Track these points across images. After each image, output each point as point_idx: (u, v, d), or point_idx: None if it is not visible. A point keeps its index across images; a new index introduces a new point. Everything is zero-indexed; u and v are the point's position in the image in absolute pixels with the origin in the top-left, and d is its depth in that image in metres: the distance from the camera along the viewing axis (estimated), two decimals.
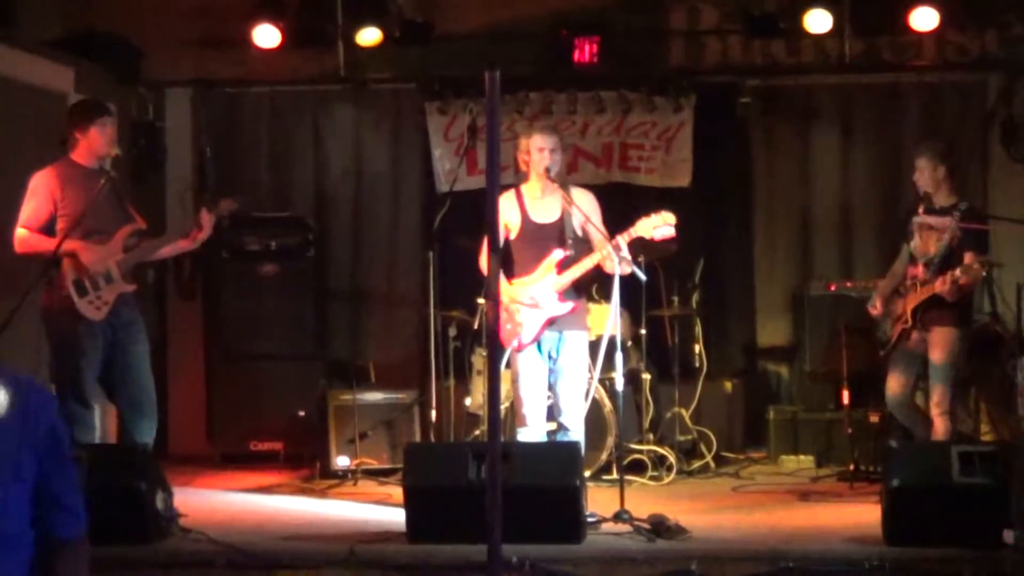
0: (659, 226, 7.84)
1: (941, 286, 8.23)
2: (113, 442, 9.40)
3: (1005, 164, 10.99)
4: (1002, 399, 9.66)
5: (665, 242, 8.07)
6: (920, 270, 8.50)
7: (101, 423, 9.05)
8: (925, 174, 8.60)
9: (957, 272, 8.15)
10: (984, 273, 8.36)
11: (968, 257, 8.30)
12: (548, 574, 6.74)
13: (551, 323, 8.05)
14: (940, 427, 8.35)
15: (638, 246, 8.05)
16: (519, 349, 8.07)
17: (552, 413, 8.17)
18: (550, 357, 8.11)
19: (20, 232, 8.00)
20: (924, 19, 10.53)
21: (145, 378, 8.19)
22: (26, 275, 8.05)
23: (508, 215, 8.12)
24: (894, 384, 8.68)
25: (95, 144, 8.06)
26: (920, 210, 8.52)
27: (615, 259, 7.76)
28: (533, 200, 8.16)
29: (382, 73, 11.44)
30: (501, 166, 5.15)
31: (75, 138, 8.08)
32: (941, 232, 8.43)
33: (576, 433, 8.05)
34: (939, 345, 8.43)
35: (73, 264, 7.88)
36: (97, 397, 8.23)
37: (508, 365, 8.12)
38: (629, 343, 9.83)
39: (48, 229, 7.94)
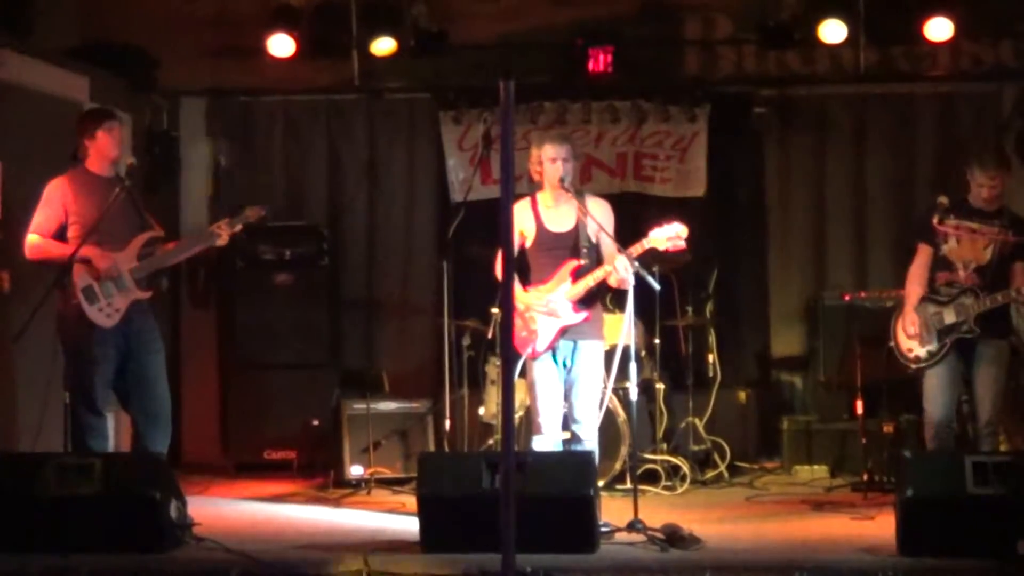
0: (671, 237, 7.84)
1: None
2: (126, 451, 9.42)
3: (1019, 174, 10.94)
4: (1016, 410, 9.63)
5: (676, 252, 8.06)
6: (964, 275, 8.18)
7: (115, 432, 9.06)
8: (1000, 187, 8.25)
9: None
10: None
11: (1021, 267, 8.11)
12: None
13: (565, 332, 8.04)
14: (991, 446, 8.13)
15: (651, 256, 8.04)
16: (533, 357, 8.06)
17: (567, 422, 8.17)
18: (565, 366, 8.10)
19: (31, 238, 8.01)
20: (939, 29, 10.53)
21: (160, 388, 8.18)
22: (42, 282, 8.06)
23: (524, 223, 8.12)
24: (946, 401, 8.28)
25: (105, 148, 8.07)
26: (961, 215, 8.17)
27: (629, 270, 7.75)
28: (548, 209, 8.16)
29: (396, 83, 11.47)
30: (515, 175, 5.16)
31: (85, 146, 8.09)
32: (988, 238, 8.15)
33: (590, 443, 8.04)
34: (999, 358, 8.20)
35: (84, 271, 7.88)
36: (110, 406, 8.24)
37: (522, 373, 8.12)
38: (643, 353, 9.82)
39: (59, 236, 7.96)
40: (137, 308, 8.06)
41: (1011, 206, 8.38)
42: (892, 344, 8.57)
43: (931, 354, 8.27)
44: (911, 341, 8.37)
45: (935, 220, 8.19)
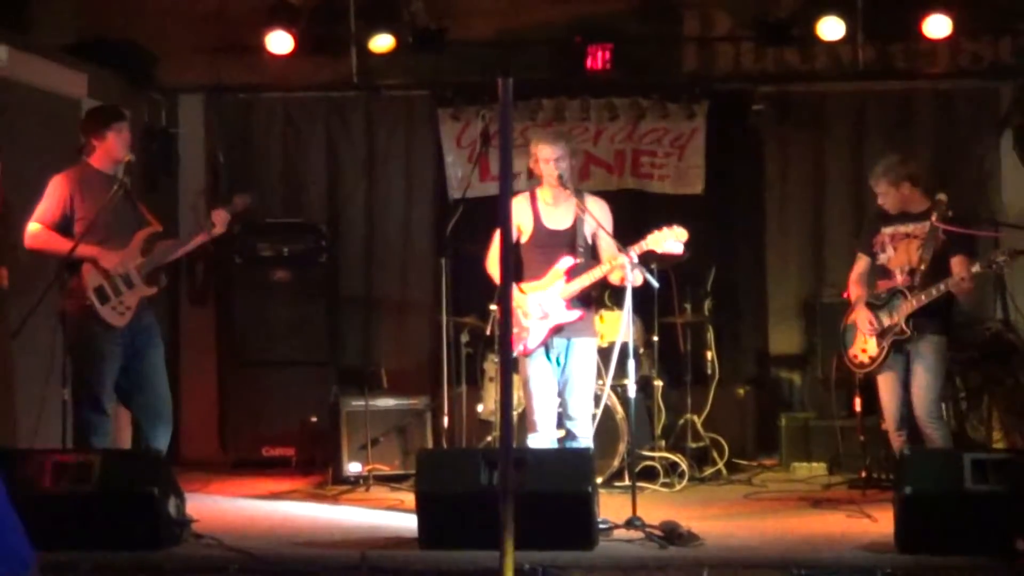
0: (668, 240, 7.84)
1: (961, 284, 7.98)
2: (120, 447, 9.42)
3: (1018, 171, 10.97)
4: (1014, 407, 9.64)
5: (675, 256, 8.07)
6: (901, 280, 8.32)
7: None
8: (890, 197, 8.44)
9: (977, 267, 7.95)
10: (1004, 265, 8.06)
11: (958, 260, 8.16)
12: None
13: (558, 330, 8.05)
14: (937, 438, 8.21)
15: (649, 255, 8.04)
16: (524, 354, 8.06)
17: (561, 420, 8.17)
18: (559, 364, 8.10)
19: (32, 227, 8.00)
20: (937, 26, 10.52)
21: (161, 383, 8.20)
22: (40, 279, 8.05)
23: (521, 217, 8.13)
24: (898, 403, 8.43)
25: (112, 149, 8.08)
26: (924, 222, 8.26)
27: (628, 267, 7.75)
28: (547, 205, 8.16)
29: (395, 80, 11.45)
30: (514, 172, 5.17)
31: (92, 144, 8.09)
32: (922, 239, 8.27)
33: (585, 440, 8.05)
34: (932, 353, 8.27)
35: (94, 271, 7.88)
36: (112, 404, 8.24)
37: (515, 370, 8.12)
38: (641, 350, 9.83)
39: (62, 229, 7.94)
40: (143, 305, 8.07)
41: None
42: (841, 350, 8.77)
43: (872, 359, 8.45)
44: (860, 345, 8.54)
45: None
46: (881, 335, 8.38)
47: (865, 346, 8.50)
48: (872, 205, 8.83)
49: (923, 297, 8.15)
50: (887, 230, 8.48)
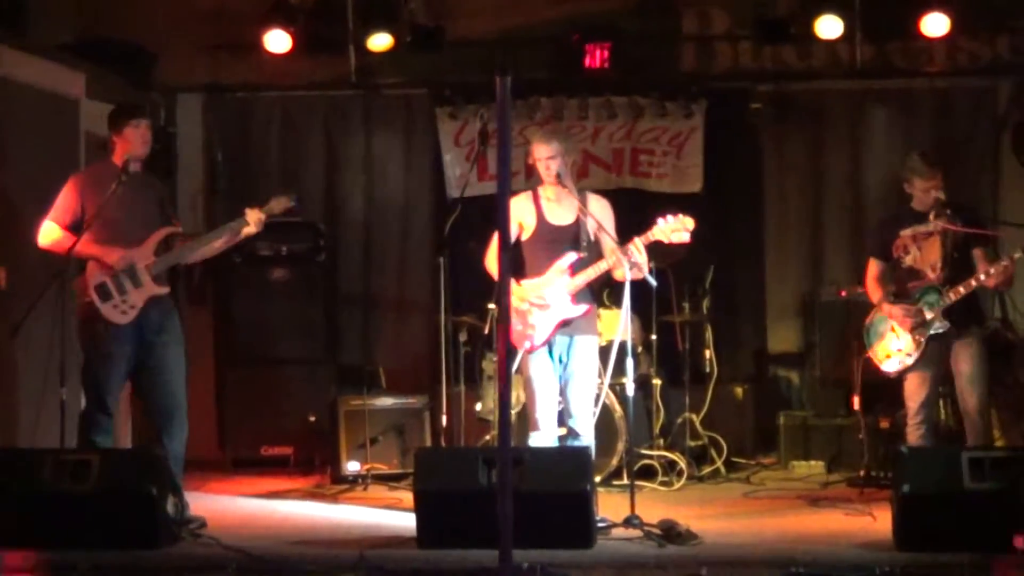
0: (677, 230, 7.85)
1: (999, 275, 8.02)
2: (122, 447, 9.42)
3: (1016, 170, 10.97)
4: (1013, 405, 9.64)
5: (682, 244, 8.06)
6: (934, 277, 8.28)
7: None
8: (941, 185, 8.37)
9: (1017, 255, 7.95)
10: None
11: (979, 254, 8.20)
12: None
13: (563, 325, 8.04)
14: (983, 429, 8.26)
15: (648, 252, 8.04)
16: (531, 351, 8.05)
17: (562, 418, 8.17)
18: (561, 361, 8.10)
19: (47, 225, 7.98)
20: (935, 25, 10.52)
21: (172, 382, 8.12)
22: (43, 277, 8.04)
23: (524, 215, 8.12)
24: (927, 399, 8.40)
25: (130, 144, 8.06)
26: (938, 216, 8.25)
27: (626, 266, 7.75)
28: (549, 202, 8.16)
29: (393, 78, 11.46)
30: (512, 171, 5.16)
31: (113, 141, 8.10)
32: (941, 235, 8.27)
33: (586, 438, 8.05)
34: (975, 348, 8.28)
35: (98, 268, 7.87)
36: (115, 403, 8.23)
37: (518, 369, 8.12)
38: (640, 348, 9.83)
39: (75, 228, 7.93)
40: (154, 303, 8.03)
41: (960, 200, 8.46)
42: (868, 356, 8.70)
43: (910, 355, 8.36)
44: (889, 343, 8.47)
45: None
46: (917, 328, 8.29)
47: (900, 345, 8.40)
48: (879, 207, 8.83)
49: (961, 290, 8.14)
50: (906, 232, 8.42)
